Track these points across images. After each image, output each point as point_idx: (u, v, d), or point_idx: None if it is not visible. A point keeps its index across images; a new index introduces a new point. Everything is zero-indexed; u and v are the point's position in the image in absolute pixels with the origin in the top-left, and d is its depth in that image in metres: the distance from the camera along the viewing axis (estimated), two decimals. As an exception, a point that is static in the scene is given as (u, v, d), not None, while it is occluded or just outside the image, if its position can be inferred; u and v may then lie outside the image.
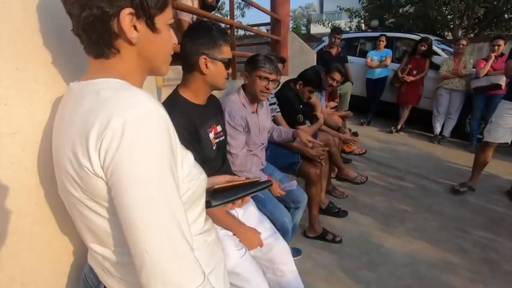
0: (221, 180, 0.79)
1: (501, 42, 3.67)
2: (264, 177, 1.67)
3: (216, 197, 0.71)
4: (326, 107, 3.18)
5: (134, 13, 0.53)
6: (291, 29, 4.30)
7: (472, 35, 7.91)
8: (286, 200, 1.75)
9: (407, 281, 1.74)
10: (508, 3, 7.53)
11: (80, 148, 0.48)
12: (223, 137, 1.27)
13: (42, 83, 0.66)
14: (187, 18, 2.41)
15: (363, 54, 5.20)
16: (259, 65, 1.59)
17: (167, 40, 0.61)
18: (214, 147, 1.19)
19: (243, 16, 12.60)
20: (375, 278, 1.76)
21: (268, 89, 1.61)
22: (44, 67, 0.67)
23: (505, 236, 2.18)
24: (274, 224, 1.44)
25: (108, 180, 0.48)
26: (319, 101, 2.73)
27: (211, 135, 1.17)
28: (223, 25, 1.78)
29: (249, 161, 1.66)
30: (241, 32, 8.60)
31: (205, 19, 1.52)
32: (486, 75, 3.71)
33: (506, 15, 8.05)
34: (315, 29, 17.40)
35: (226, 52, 1.11)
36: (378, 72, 4.75)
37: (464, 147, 4.06)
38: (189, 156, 0.62)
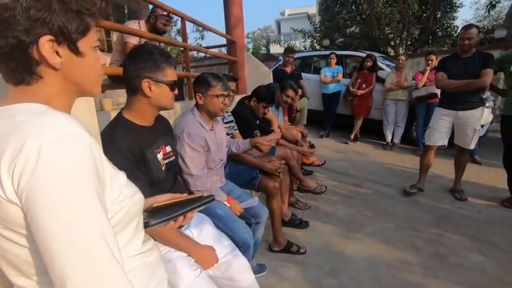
0: (162, 199, 0.78)
1: (433, 57, 4.15)
2: (223, 196, 1.67)
3: (154, 216, 0.69)
4: (284, 122, 3.30)
5: (54, 39, 0.52)
6: (250, 50, 4.46)
7: (410, 52, 8.85)
8: (246, 215, 1.75)
9: (367, 284, 1.81)
10: (436, 23, 8.66)
11: None
12: (173, 157, 1.26)
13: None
14: (134, 41, 2.40)
15: (317, 71, 5.53)
16: (212, 84, 1.61)
17: (94, 62, 0.61)
18: (163, 168, 1.17)
19: (202, 38, 12.85)
20: (338, 285, 1.80)
21: (225, 104, 1.65)
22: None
23: (451, 231, 2.37)
24: (235, 241, 1.43)
25: (23, 206, 0.46)
26: (274, 116, 2.83)
27: (160, 156, 1.16)
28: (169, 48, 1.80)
29: (209, 181, 1.66)
30: (201, 54, 8.74)
31: (153, 42, 1.54)
32: (424, 86, 4.15)
33: (439, 33, 9.19)
34: (274, 48, 18.19)
35: (170, 74, 1.12)
36: (332, 87, 5.08)
37: (413, 152, 4.41)
38: (120, 176, 0.61)
